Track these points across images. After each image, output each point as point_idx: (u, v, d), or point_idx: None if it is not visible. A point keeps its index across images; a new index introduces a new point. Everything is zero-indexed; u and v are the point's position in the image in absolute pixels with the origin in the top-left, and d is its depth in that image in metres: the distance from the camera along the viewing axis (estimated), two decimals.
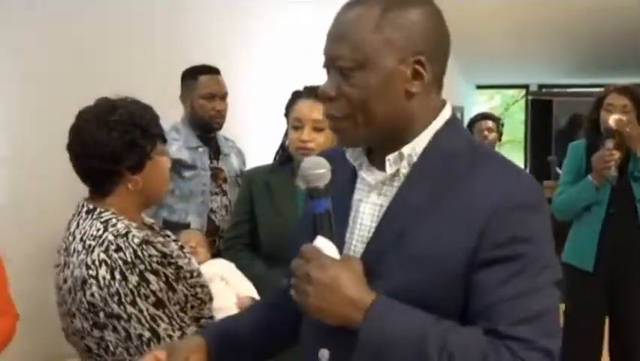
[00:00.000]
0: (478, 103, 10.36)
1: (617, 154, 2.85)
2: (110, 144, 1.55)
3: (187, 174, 2.86)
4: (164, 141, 1.69)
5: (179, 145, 2.89)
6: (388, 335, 1.00)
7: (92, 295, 1.51)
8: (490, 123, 4.62)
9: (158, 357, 1.18)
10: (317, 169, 1.08)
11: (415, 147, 1.10)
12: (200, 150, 2.92)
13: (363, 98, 1.07)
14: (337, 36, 1.09)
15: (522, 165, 7.98)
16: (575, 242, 3.04)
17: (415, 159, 1.10)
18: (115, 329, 1.51)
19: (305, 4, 4.13)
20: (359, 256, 1.10)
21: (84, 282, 1.51)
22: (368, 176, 1.14)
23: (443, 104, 1.15)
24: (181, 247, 1.71)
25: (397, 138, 1.10)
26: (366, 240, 1.11)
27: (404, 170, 1.10)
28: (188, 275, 1.59)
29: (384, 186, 1.12)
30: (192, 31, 3.24)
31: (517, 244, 1.01)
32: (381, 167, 1.12)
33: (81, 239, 1.55)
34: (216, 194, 2.92)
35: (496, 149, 5.32)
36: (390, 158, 1.10)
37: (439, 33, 1.12)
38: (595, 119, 3.01)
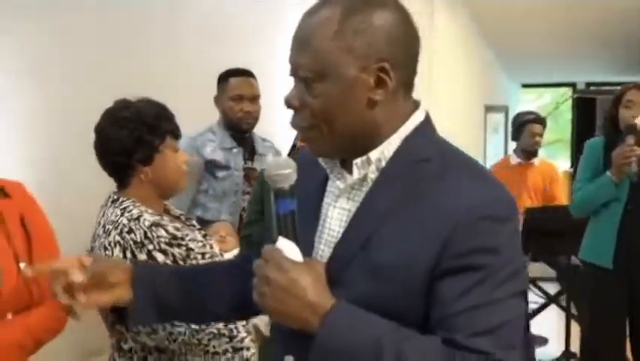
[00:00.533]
0: (526, 102, 10.22)
1: (638, 150, 2.82)
2: (121, 140, 1.74)
3: (220, 174, 2.98)
4: (177, 137, 1.84)
5: (214, 146, 3.01)
6: (344, 341, 0.99)
7: None
8: (540, 128, 4.58)
9: (82, 262, 1.17)
10: (282, 169, 1.07)
11: (384, 151, 1.08)
12: (235, 150, 3.03)
13: (324, 109, 1.05)
14: (298, 44, 1.06)
15: (569, 165, 7.85)
16: (592, 239, 3.02)
17: (383, 163, 1.08)
18: None
19: None
20: (325, 261, 1.08)
21: None
22: (337, 180, 1.12)
23: (415, 107, 1.12)
24: (204, 235, 1.86)
25: (365, 146, 1.08)
26: (333, 245, 1.10)
27: (372, 175, 1.08)
28: (199, 256, 1.73)
29: (353, 190, 1.10)
30: (223, 34, 3.32)
31: (481, 255, 0.99)
32: (352, 172, 1.10)
33: (103, 225, 1.74)
34: (248, 194, 3.01)
35: (544, 149, 5.28)
36: (358, 162, 1.08)
37: (406, 36, 1.07)
38: (613, 116, 2.99)
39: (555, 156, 9.72)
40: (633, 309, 2.97)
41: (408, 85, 1.10)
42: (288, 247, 1.05)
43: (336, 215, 1.12)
